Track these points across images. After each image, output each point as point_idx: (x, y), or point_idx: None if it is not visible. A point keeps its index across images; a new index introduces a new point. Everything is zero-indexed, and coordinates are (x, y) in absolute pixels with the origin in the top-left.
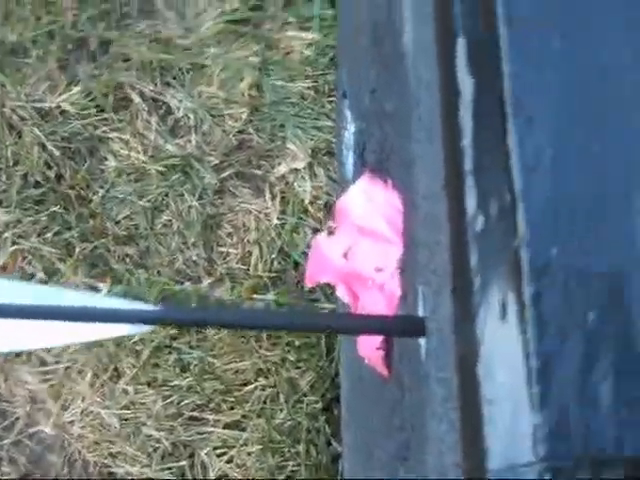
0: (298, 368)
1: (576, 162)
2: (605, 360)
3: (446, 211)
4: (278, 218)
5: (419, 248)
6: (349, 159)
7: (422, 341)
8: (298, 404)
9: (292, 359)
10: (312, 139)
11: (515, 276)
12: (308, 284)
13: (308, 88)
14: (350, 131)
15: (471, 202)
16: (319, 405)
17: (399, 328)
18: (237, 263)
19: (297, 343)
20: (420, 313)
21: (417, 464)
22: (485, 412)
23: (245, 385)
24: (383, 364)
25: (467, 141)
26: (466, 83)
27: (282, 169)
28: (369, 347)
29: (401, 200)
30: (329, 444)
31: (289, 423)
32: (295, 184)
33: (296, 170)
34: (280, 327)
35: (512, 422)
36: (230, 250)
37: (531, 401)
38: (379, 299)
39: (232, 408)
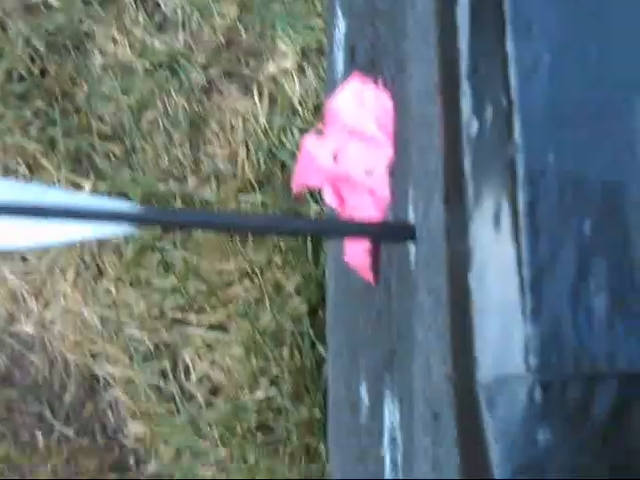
0: (284, 271)
1: (574, 69)
2: (599, 272)
3: (440, 113)
4: (266, 118)
5: (411, 148)
6: (339, 58)
7: (412, 247)
8: (283, 307)
9: (278, 261)
10: (303, 38)
11: (509, 183)
12: (295, 188)
13: None
14: (341, 30)
15: (466, 105)
16: (304, 308)
17: (388, 233)
18: (224, 163)
19: (283, 246)
20: (410, 218)
21: (403, 373)
22: (476, 322)
23: (229, 286)
24: (370, 270)
25: (464, 44)
26: None
27: (271, 68)
28: (355, 253)
29: (392, 100)
30: (313, 348)
31: (273, 326)
32: (284, 84)
33: (285, 70)
34: (265, 230)
35: (503, 333)
36: (217, 150)
37: (523, 311)
38: (368, 202)
39: (215, 309)
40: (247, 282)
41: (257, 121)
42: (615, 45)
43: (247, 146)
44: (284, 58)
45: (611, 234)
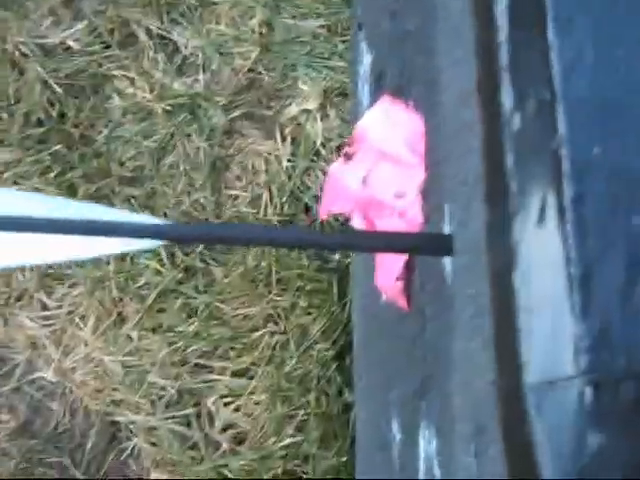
0: (309, 314)
1: (618, 63)
2: None
3: (479, 113)
4: (289, 160)
5: (447, 161)
6: (365, 92)
7: (447, 263)
8: (309, 351)
9: (303, 305)
10: (324, 79)
11: (555, 178)
12: (322, 216)
13: (320, 27)
14: (366, 63)
15: (507, 100)
16: (330, 353)
17: (425, 245)
18: (246, 206)
19: (308, 288)
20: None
21: (441, 395)
22: (522, 324)
23: (254, 331)
24: (403, 296)
25: (503, 37)
26: None
27: (293, 110)
28: (388, 278)
29: (423, 120)
30: (340, 393)
31: (299, 371)
32: (306, 125)
33: (307, 111)
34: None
35: (551, 333)
36: (239, 193)
37: (572, 310)
38: (399, 226)
39: (240, 355)
40: (272, 326)
41: (280, 163)
42: None
43: (270, 189)
44: (306, 99)
45: None
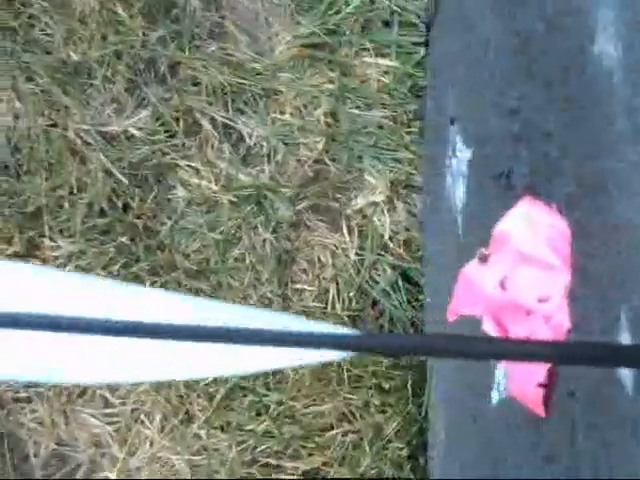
0: (383, 412)
1: None
2: None
3: None
4: (356, 254)
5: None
6: (459, 188)
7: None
8: (383, 451)
9: (377, 403)
10: (391, 171)
11: None
12: (451, 317)
13: (386, 117)
14: (461, 158)
15: None
16: (405, 452)
17: (591, 355)
18: (313, 301)
19: (382, 386)
20: (622, 340)
21: None
22: None
23: (326, 430)
24: (542, 403)
25: None
26: None
27: (360, 202)
28: (527, 385)
29: (567, 223)
30: None
31: (373, 471)
32: (373, 218)
33: (374, 203)
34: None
35: None
36: (306, 287)
37: None
38: (543, 331)
39: (311, 455)
40: (345, 425)
41: (347, 256)
42: None
43: (337, 283)
44: (373, 192)
45: None
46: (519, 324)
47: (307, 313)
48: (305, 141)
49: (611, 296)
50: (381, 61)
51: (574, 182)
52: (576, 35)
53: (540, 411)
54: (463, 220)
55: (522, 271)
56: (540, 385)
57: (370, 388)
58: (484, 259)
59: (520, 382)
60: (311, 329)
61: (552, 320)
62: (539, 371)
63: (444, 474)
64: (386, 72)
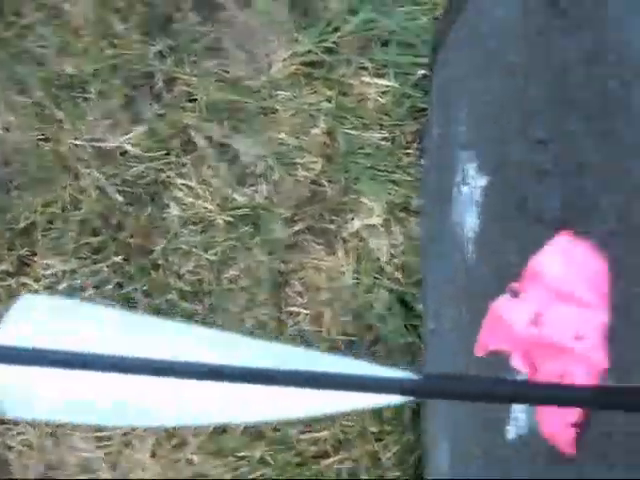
0: (380, 440)
1: None
2: None
3: None
4: (352, 277)
5: None
6: (472, 215)
7: None
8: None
9: (374, 430)
10: (389, 193)
11: None
12: (479, 352)
13: (384, 139)
14: (475, 186)
15: None
16: None
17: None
18: (309, 324)
19: (379, 413)
20: None
21: None
22: None
23: (322, 458)
24: (573, 443)
25: None
26: None
27: (356, 224)
28: (559, 424)
29: (606, 260)
30: None
31: None
32: (370, 241)
33: (371, 226)
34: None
35: None
36: (300, 310)
37: None
38: (577, 370)
39: None
40: (341, 453)
41: (343, 280)
42: None
43: (332, 307)
44: (369, 214)
45: None
46: (551, 362)
47: (303, 337)
48: (302, 161)
49: None
50: (379, 81)
51: (614, 218)
52: (619, 69)
53: (569, 449)
54: (474, 248)
55: (557, 308)
56: (573, 425)
57: (367, 415)
58: (515, 294)
59: (551, 423)
60: (362, 370)
61: (588, 359)
62: (573, 410)
63: None
64: (384, 92)
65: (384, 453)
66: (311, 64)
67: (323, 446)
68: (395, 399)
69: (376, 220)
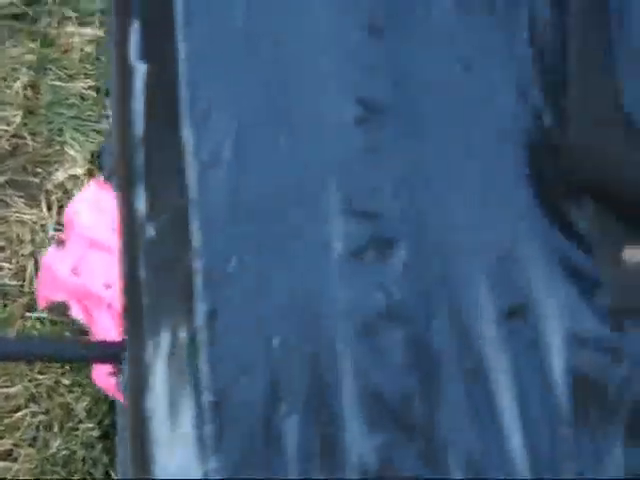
0: (73, 392)
1: (260, 157)
2: (292, 390)
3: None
4: (55, 229)
5: None
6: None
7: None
8: (73, 432)
9: (66, 383)
10: (93, 143)
11: (187, 295)
12: (41, 304)
13: (89, 88)
14: None
15: (141, 206)
16: (96, 432)
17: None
18: (11, 279)
19: (72, 366)
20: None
21: None
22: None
23: (16, 411)
24: (118, 390)
25: (138, 135)
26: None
27: (60, 176)
28: (102, 376)
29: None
30: (107, 475)
31: (64, 452)
32: (74, 192)
33: (75, 177)
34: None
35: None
36: (3, 264)
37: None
38: (108, 318)
39: (1, 437)
40: (34, 406)
41: (46, 232)
42: (306, 134)
43: (35, 260)
44: (73, 164)
45: (309, 349)
46: (97, 310)
47: (4, 292)
48: (2, 115)
49: None
50: (83, 30)
51: None
52: None
53: (120, 397)
54: None
55: (91, 257)
56: (111, 374)
57: (60, 367)
58: (61, 244)
59: (98, 376)
60: None
61: (112, 307)
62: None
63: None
64: (89, 41)
65: (77, 405)
66: (13, 16)
67: (16, 400)
68: None
69: (80, 170)
